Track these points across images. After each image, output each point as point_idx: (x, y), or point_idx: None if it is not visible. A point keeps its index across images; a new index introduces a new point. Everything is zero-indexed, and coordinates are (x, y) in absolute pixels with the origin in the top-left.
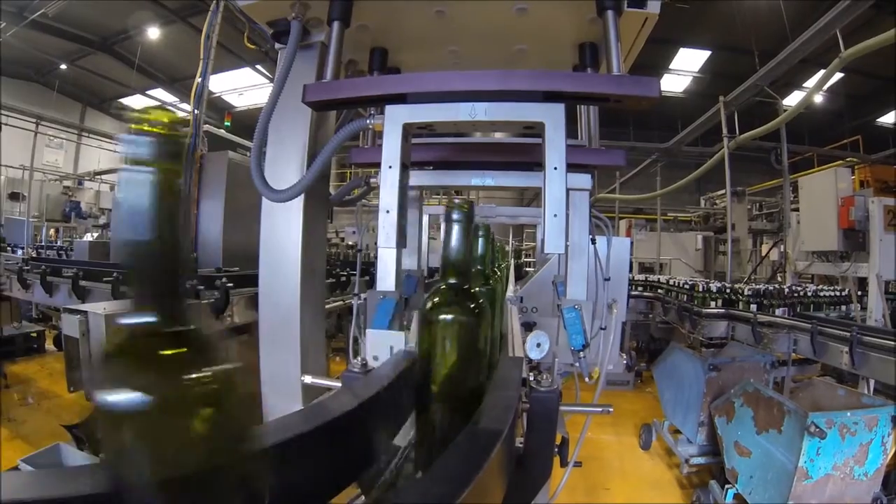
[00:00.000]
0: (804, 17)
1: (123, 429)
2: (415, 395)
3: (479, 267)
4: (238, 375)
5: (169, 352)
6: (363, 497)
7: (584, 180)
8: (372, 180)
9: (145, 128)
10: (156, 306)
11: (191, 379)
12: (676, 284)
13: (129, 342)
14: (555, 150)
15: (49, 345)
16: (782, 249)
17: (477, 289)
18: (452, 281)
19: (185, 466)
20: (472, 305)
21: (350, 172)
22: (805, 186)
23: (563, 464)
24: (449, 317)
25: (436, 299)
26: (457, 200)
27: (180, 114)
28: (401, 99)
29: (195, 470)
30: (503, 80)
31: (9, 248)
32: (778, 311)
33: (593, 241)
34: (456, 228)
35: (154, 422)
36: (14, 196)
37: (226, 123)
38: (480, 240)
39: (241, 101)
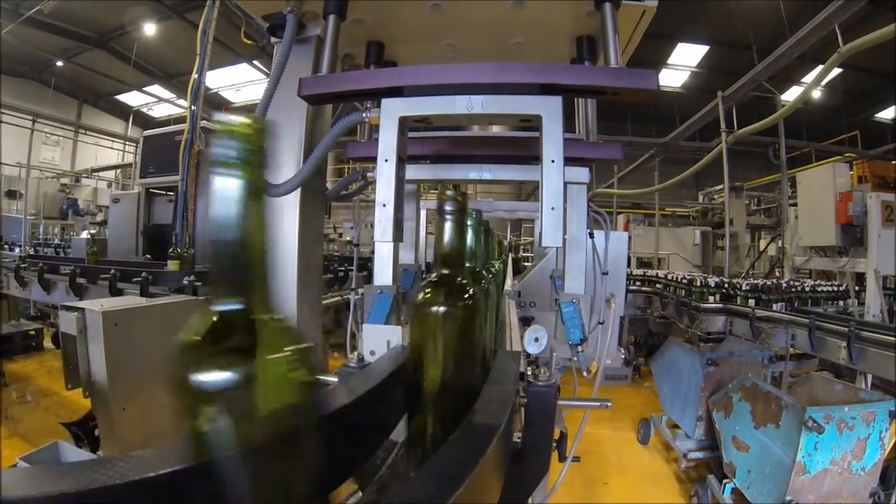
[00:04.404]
0: (802, 12)
1: (214, 406)
2: (411, 390)
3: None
4: (310, 353)
5: (258, 334)
6: (360, 493)
7: (581, 174)
8: (369, 174)
9: (232, 134)
10: (243, 294)
11: (278, 356)
12: (674, 279)
13: (220, 326)
14: (552, 143)
15: (47, 342)
16: (780, 244)
17: (471, 282)
18: (445, 273)
19: (272, 434)
20: (464, 298)
21: (348, 168)
22: (803, 182)
23: (562, 458)
24: (441, 309)
25: (428, 292)
26: (449, 192)
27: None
28: (397, 92)
29: (282, 437)
30: (500, 73)
31: (6, 246)
32: (776, 307)
33: (591, 236)
34: (448, 220)
35: (246, 396)
36: (11, 194)
37: None
38: (471, 231)
39: (238, 97)
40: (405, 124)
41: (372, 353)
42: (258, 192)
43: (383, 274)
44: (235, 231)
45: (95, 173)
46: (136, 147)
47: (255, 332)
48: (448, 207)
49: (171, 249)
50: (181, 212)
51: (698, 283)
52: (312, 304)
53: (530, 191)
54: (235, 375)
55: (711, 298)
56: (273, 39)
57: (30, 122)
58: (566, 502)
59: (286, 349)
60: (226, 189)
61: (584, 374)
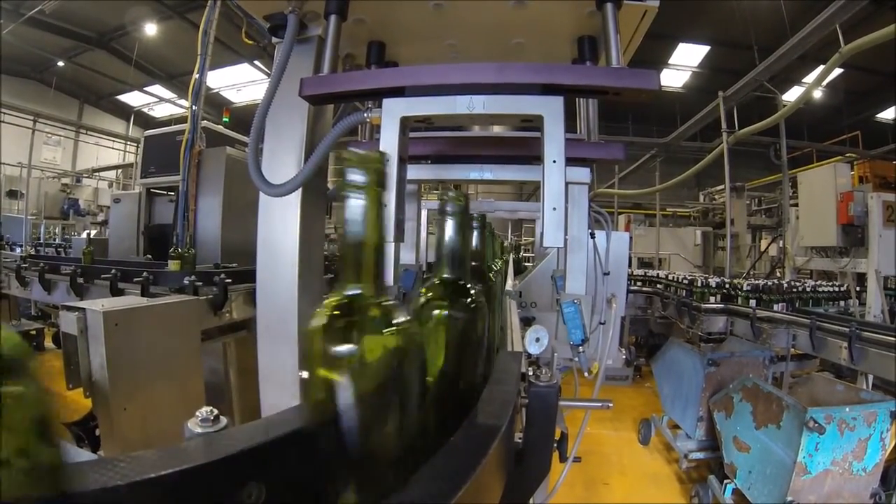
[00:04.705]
0: (803, 12)
1: (348, 375)
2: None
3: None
4: (409, 324)
5: (376, 313)
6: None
7: (583, 174)
8: None
9: (360, 164)
10: (366, 282)
11: (393, 330)
12: (675, 280)
13: (347, 309)
14: (553, 142)
15: (48, 343)
16: (781, 245)
17: (472, 282)
18: (446, 276)
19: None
20: (465, 299)
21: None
22: (804, 182)
23: (563, 459)
24: (442, 311)
25: (429, 294)
26: (451, 193)
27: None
28: (398, 92)
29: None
30: (501, 73)
31: (7, 246)
32: (777, 307)
33: (592, 236)
34: (450, 221)
35: (369, 366)
36: (12, 194)
37: (224, 119)
38: (476, 232)
39: (239, 97)
40: (406, 124)
41: None
42: (380, 205)
43: (385, 274)
44: (362, 236)
45: (96, 173)
46: (137, 147)
47: (371, 311)
48: (450, 209)
49: (171, 249)
50: (182, 212)
51: (699, 284)
52: (313, 304)
53: (531, 191)
54: (356, 347)
55: (712, 299)
56: (274, 39)
57: (31, 122)
58: (567, 503)
59: (394, 323)
60: (356, 204)
61: (586, 374)
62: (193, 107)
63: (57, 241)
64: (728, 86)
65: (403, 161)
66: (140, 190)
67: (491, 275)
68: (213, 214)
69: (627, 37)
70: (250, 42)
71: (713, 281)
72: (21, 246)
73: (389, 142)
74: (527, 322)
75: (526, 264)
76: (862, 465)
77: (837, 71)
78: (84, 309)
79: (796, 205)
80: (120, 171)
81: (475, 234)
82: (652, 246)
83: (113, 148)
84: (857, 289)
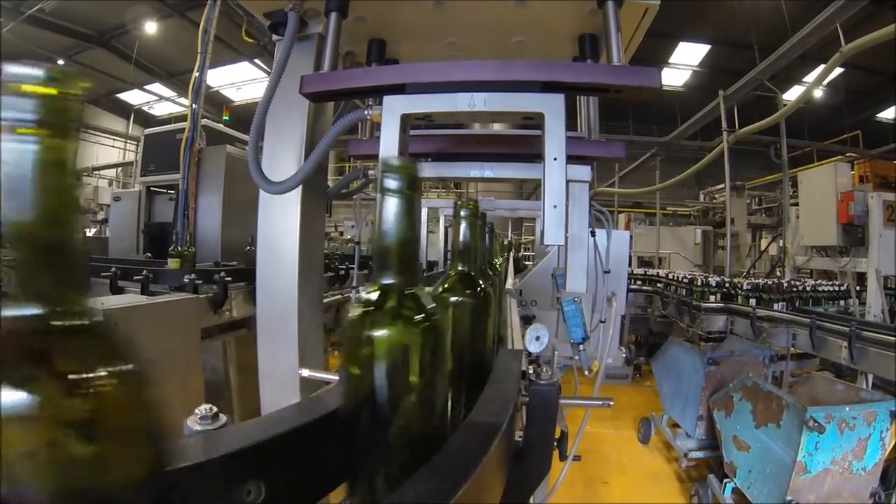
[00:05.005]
0: (804, 11)
1: (387, 354)
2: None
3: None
4: (437, 311)
5: (410, 300)
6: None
7: (583, 172)
8: (370, 172)
9: (396, 170)
10: (400, 273)
11: (427, 313)
12: (675, 278)
13: (384, 296)
14: (554, 140)
15: None
16: (781, 244)
17: (473, 282)
18: (454, 274)
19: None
20: (466, 298)
21: (349, 166)
22: (804, 181)
23: (563, 458)
24: (460, 299)
25: (445, 285)
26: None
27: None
28: (399, 90)
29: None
30: (502, 71)
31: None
32: (777, 306)
33: (593, 234)
34: (463, 224)
35: (406, 346)
36: None
37: (224, 118)
38: (479, 234)
39: (239, 96)
40: (407, 122)
41: None
42: (413, 206)
43: None
44: (397, 234)
45: (96, 172)
46: (137, 145)
47: (406, 297)
48: (463, 213)
49: (171, 248)
50: (182, 210)
51: (699, 283)
52: (313, 302)
53: (531, 189)
54: (389, 331)
55: (712, 298)
56: (274, 37)
57: None
58: (567, 502)
59: (426, 309)
60: (392, 205)
61: (586, 372)
62: (194, 105)
63: None
64: (728, 85)
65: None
66: (140, 188)
67: (491, 273)
68: (213, 213)
69: (628, 35)
70: (250, 40)
71: (713, 280)
72: None
73: (390, 139)
74: (527, 320)
75: (526, 263)
76: (862, 465)
77: (838, 70)
78: None
79: (796, 204)
80: (120, 169)
81: (480, 235)
82: (652, 245)
83: (113, 146)
84: (857, 288)
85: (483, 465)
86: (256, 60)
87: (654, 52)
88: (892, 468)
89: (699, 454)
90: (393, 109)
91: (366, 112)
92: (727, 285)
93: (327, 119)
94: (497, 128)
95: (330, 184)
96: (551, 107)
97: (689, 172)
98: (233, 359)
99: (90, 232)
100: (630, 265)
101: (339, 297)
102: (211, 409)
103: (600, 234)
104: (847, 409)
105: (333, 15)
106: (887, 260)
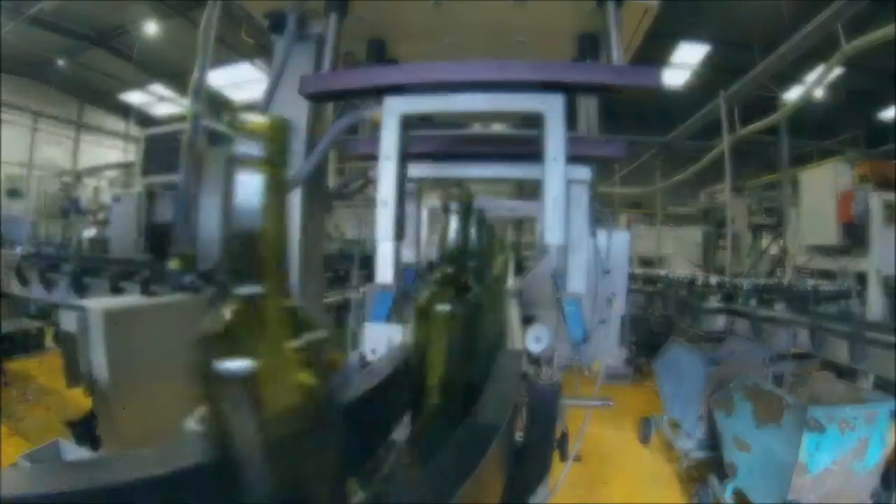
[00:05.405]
0: (805, 11)
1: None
2: (412, 389)
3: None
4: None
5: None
6: (361, 492)
7: (583, 172)
8: (370, 173)
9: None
10: (457, 266)
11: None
12: (676, 279)
13: (445, 280)
14: (554, 140)
15: (49, 341)
16: (782, 244)
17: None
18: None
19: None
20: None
21: (349, 166)
22: (805, 181)
23: (563, 458)
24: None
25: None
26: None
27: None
28: (399, 90)
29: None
30: (502, 71)
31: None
32: (777, 306)
33: (593, 234)
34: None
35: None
36: (12, 193)
37: (225, 118)
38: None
39: (239, 96)
40: (407, 122)
41: (373, 351)
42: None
43: (385, 273)
44: (456, 242)
45: (97, 172)
46: (138, 146)
47: (458, 282)
48: (454, 207)
49: (172, 248)
50: (182, 210)
51: (700, 283)
52: (314, 302)
53: (532, 189)
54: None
55: (713, 298)
56: (274, 37)
57: (31, 121)
58: (566, 502)
59: (470, 289)
60: (453, 222)
61: (586, 373)
62: (194, 105)
63: (59, 239)
64: (729, 85)
65: (404, 159)
66: (141, 189)
67: (492, 273)
68: (213, 213)
69: (628, 35)
70: (250, 40)
71: (714, 280)
72: (21, 245)
73: (390, 139)
74: (527, 321)
75: (526, 263)
76: (862, 465)
77: (838, 70)
78: (84, 307)
79: (797, 204)
80: (120, 169)
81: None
82: (653, 245)
83: (114, 147)
84: (858, 288)
85: (482, 465)
86: (256, 60)
87: (654, 52)
88: (893, 468)
89: (700, 454)
90: (393, 109)
91: (366, 112)
92: (728, 285)
93: (327, 119)
94: (497, 127)
95: (330, 183)
96: (551, 106)
97: (690, 172)
98: None
99: (90, 233)
100: (630, 265)
101: (341, 297)
102: None
103: (600, 234)
104: (848, 408)
105: (333, 15)
106: (888, 259)
